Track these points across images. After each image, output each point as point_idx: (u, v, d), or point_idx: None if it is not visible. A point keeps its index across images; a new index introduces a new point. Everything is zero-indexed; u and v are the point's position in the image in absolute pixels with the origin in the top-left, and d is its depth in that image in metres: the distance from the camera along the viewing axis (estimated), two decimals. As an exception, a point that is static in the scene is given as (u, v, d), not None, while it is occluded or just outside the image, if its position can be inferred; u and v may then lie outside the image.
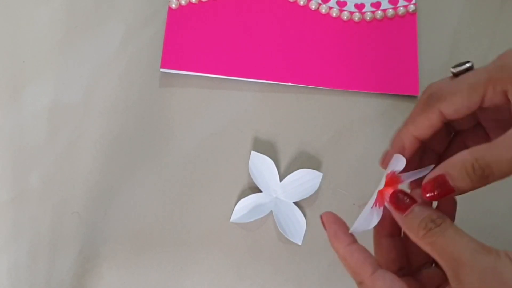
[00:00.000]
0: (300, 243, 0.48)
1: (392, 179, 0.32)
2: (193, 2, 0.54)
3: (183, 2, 0.54)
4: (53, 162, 0.50)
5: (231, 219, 0.48)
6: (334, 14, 0.55)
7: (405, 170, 0.32)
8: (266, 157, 0.49)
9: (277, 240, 0.49)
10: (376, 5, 0.55)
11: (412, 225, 0.30)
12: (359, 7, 0.55)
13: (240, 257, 0.48)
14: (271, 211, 0.49)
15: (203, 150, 0.51)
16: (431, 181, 0.30)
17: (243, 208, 0.49)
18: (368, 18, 0.55)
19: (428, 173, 0.31)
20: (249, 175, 0.50)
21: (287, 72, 0.53)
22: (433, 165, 0.34)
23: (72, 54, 0.53)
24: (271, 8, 0.55)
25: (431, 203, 0.32)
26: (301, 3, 0.55)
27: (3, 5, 0.54)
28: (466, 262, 0.27)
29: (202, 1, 0.54)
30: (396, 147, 0.34)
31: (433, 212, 0.30)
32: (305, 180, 0.49)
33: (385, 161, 0.34)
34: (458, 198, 0.49)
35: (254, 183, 0.49)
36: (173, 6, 0.54)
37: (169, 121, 0.52)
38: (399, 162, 0.32)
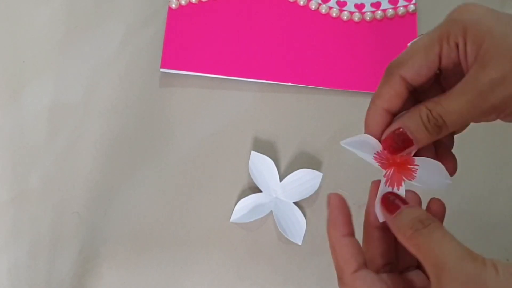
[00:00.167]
0: (300, 243, 0.48)
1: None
2: (193, 2, 0.54)
3: (183, 2, 0.54)
4: (53, 162, 0.50)
5: (231, 219, 0.48)
6: (334, 14, 0.55)
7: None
8: (266, 157, 0.49)
9: (277, 240, 0.49)
10: (376, 5, 0.55)
11: (400, 225, 0.29)
12: (359, 7, 0.55)
13: (240, 257, 0.48)
14: (271, 211, 0.49)
15: (203, 150, 0.51)
16: (390, 135, 0.31)
17: (243, 208, 0.49)
18: (368, 18, 0.55)
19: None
20: (249, 175, 0.50)
21: (287, 72, 0.53)
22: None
23: (72, 54, 0.53)
24: (271, 8, 0.55)
25: (421, 204, 0.32)
26: (301, 3, 0.55)
27: (3, 5, 0.54)
28: (450, 268, 0.26)
29: (202, 1, 0.54)
30: (369, 126, 0.33)
31: (422, 213, 0.29)
32: (305, 180, 0.49)
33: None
34: (457, 197, 0.50)
35: (254, 183, 0.49)
36: (173, 6, 0.54)
37: (169, 121, 0.52)
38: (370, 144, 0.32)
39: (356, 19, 0.55)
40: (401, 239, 0.29)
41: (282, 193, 0.49)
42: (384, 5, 0.55)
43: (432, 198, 0.33)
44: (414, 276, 0.33)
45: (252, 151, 0.50)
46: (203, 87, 0.53)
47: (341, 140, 0.33)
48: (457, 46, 0.31)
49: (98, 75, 0.53)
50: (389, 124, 0.32)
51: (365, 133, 0.33)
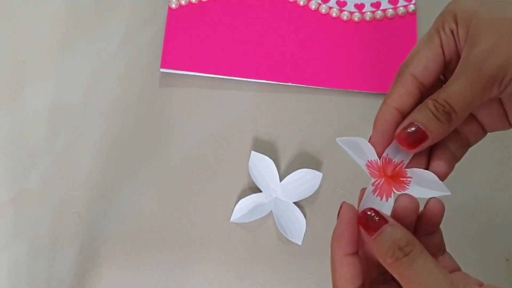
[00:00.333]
0: (300, 243, 0.48)
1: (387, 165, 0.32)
2: (193, 2, 0.54)
3: (183, 2, 0.54)
4: (53, 162, 0.50)
5: (231, 219, 0.48)
6: (334, 14, 0.55)
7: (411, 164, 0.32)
8: (266, 157, 0.49)
9: (277, 240, 0.49)
10: (376, 5, 0.55)
11: (381, 250, 0.28)
12: (359, 7, 0.55)
13: (240, 257, 0.48)
14: (271, 211, 0.49)
15: (203, 150, 0.51)
16: (403, 131, 0.31)
17: (243, 208, 0.49)
18: (368, 18, 0.55)
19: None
20: (249, 175, 0.50)
21: (287, 72, 0.53)
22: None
23: (72, 54, 0.53)
24: (271, 8, 0.55)
25: (418, 208, 0.31)
26: (301, 3, 0.55)
27: (3, 5, 0.54)
28: None
29: (202, 1, 0.54)
30: (379, 124, 0.33)
31: (402, 236, 0.28)
32: (305, 180, 0.49)
33: (370, 141, 0.33)
34: (457, 197, 0.50)
35: (254, 183, 0.49)
36: (173, 6, 0.54)
37: (169, 121, 0.52)
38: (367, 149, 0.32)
39: (356, 19, 0.55)
40: (382, 263, 0.28)
41: (282, 193, 0.49)
42: (384, 5, 0.55)
43: (430, 198, 0.32)
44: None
45: (252, 151, 0.50)
46: (203, 87, 0.53)
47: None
48: (452, 32, 0.31)
49: (98, 75, 0.53)
50: (398, 123, 0.32)
51: (373, 130, 0.33)
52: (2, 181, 0.49)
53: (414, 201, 0.31)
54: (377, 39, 0.54)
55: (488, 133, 0.51)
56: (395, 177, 0.32)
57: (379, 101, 0.52)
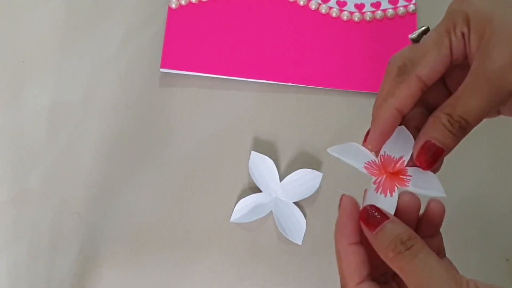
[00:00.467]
0: (300, 243, 0.48)
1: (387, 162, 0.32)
2: (193, 2, 0.54)
3: (183, 2, 0.54)
4: (53, 162, 0.50)
5: (231, 219, 0.48)
6: (334, 14, 0.55)
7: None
8: (266, 157, 0.49)
9: (277, 240, 0.49)
10: (376, 5, 0.55)
11: (382, 244, 0.28)
12: (359, 7, 0.55)
13: (240, 257, 0.48)
14: (271, 211, 0.49)
15: (203, 150, 0.51)
16: (421, 152, 0.30)
17: (243, 208, 0.49)
18: (368, 18, 0.55)
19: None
20: (249, 175, 0.50)
21: (287, 72, 0.53)
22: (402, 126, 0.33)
23: (72, 54, 0.53)
24: (271, 8, 0.55)
25: (419, 207, 0.32)
26: (301, 3, 0.55)
27: (3, 5, 0.54)
28: None
29: (202, 1, 0.54)
30: (379, 124, 0.32)
31: (404, 231, 0.28)
32: (305, 180, 0.49)
33: (367, 139, 0.33)
34: (457, 197, 0.50)
35: (254, 183, 0.49)
36: (173, 6, 0.54)
37: (169, 121, 0.52)
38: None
39: (356, 19, 0.55)
40: (383, 258, 0.29)
41: (282, 193, 0.49)
42: (384, 5, 0.55)
43: (431, 200, 0.32)
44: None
45: (252, 151, 0.50)
46: (203, 87, 0.53)
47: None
48: (463, 35, 0.31)
49: (98, 75, 0.53)
50: (397, 124, 0.32)
51: (372, 129, 0.33)
52: (2, 181, 0.49)
53: (416, 199, 0.32)
54: (377, 39, 0.54)
55: (488, 134, 0.51)
56: (396, 174, 0.32)
57: (379, 101, 0.53)
